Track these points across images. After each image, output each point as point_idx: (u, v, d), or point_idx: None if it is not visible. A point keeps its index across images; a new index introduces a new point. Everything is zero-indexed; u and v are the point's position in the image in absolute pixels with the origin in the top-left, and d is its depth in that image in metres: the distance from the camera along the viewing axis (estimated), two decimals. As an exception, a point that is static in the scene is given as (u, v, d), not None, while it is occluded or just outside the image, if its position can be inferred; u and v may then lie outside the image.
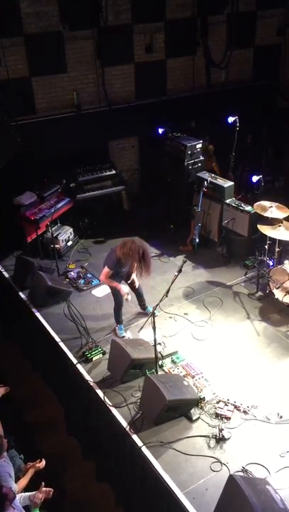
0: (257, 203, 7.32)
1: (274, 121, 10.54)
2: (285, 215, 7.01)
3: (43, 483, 4.59)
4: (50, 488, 4.61)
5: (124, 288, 6.46)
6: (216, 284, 7.65)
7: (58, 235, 8.37)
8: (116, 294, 6.52)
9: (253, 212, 7.58)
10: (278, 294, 6.92)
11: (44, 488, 4.58)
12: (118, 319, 6.67)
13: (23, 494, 4.65)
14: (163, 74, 10.10)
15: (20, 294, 7.54)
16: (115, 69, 9.53)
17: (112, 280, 6.34)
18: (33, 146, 8.24)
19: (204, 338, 6.56)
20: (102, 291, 7.54)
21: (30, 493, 4.62)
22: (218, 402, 5.45)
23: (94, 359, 6.21)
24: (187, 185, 8.77)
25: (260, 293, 7.36)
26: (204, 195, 8.21)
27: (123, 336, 6.58)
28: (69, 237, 8.69)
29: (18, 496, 4.48)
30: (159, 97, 10.01)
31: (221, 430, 5.11)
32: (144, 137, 10.05)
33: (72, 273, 7.98)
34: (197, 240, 8.27)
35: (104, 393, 5.70)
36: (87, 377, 5.97)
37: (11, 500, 4.14)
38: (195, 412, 5.36)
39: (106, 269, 6.22)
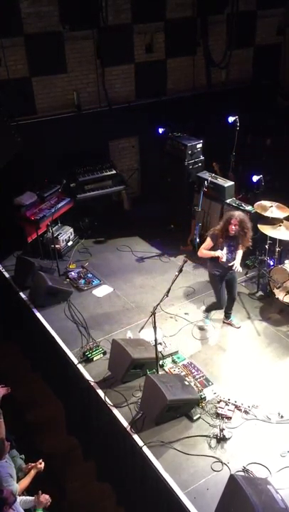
0: (257, 203, 7.32)
1: (274, 121, 10.53)
2: (286, 214, 7.01)
3: (40, 492, 4.67)
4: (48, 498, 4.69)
5: (218, 251, 6.27)
6: (216, 283, 7.64)
7: (58, 235, 8.37)
8: (215, 288, 6.51)
9: (253, 211, 7.57)
10: (279, 294, 6.92)
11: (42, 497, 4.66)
12: (209, 309, 6.74)
13: (23, 498, 4.65)
14: (163, 74, 10.10)
15: (21, 294, 7.54)
16: (115, 69, 9.54)
17: (208, 251, 6.27)
18: (33, 146, 8.24)
19: (205, 338, 6.56)
20: (102, 291, 7.55)
21: (31, 498, 4.66)
22: (218, 402, 5.44)
23: (94, 359, 6.20)
24: (187, 185, 8.76)
25: (260, 293, 7.36)
26: (205, 194, 8.21)
27: (203, 328, 6.67)
28: (69, 237, 8.69)
29: (18, 499, 4.48)
30: (159, 96, 10.01)
31: (221, 430, 5.10)
32: (144, 137, 10.05)
33: (72, 273, 7.98)
34: (198, 240, 8.26)
35: (104, 393, 5.69)
36: (88, 377, 5.96)
37: (10, 503, 4.14)
38: (196, 412, 5.35)
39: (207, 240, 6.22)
